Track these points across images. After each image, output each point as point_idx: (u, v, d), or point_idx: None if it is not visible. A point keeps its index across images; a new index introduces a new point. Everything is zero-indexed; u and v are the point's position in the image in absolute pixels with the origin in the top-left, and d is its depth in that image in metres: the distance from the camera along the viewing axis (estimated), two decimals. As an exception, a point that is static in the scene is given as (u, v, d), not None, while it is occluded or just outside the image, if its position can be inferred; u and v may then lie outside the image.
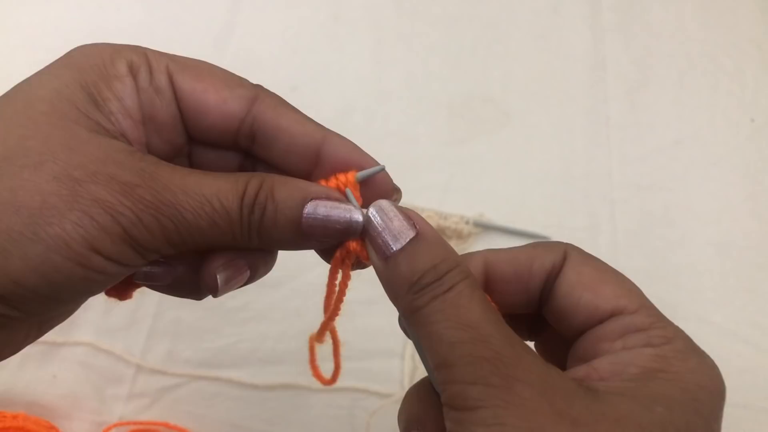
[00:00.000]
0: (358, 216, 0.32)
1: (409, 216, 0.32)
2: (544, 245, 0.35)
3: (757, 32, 0.92)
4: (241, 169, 0.37)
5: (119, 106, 0.32)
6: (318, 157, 0.34)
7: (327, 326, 0.39)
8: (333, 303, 0.37)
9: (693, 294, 0.74)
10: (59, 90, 0.30)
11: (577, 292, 0.32)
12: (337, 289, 0.36)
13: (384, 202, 0.32)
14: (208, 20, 0.89)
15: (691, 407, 0.28)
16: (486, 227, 0.76)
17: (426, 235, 0.31)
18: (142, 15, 0.89)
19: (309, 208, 0.32)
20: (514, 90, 0.87)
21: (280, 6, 0.91)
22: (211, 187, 0.30)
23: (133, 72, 0.33)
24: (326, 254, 0.35)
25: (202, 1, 0.90)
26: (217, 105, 0.33)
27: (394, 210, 0.32)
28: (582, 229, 0.77)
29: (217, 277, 0.33)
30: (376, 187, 0.34)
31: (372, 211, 0.32)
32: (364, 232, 0.32)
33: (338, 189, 0.34)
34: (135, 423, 0.63)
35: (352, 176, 0.34)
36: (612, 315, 0.31)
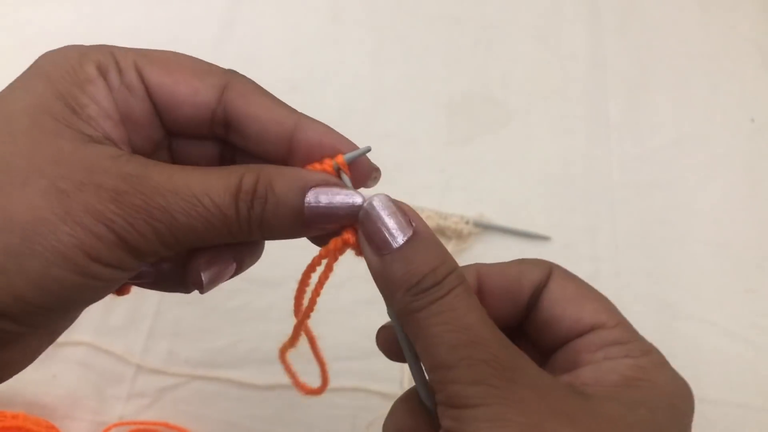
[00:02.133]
0: (359, 200, 0.32)
1: (406, 212, 0.32)
2: (530, 261, 0.37)
3: (757, 32, 0.92)
4: (222, 158, 0.37)
5: (97, 109, 0.31)
6: (292, 142, 0.34)
7: (301, 327, 0.38)
8: (310, 298, 0.36)
9: (693, 294, 0.74)
10: (36, 104, 0.30)
11: (561, 306, 0.35)
12: (312, 282, 0.35)
13: (382, 196, 0.32)
14: (208, 20, 0.89)
15: (669, 412, 0.31)
16: (486, 227, 0.76)
17: (423, 235, 0.31)
18: (141, 15, 0.89)
19: (310, 196, 0.31)
20: (514, 90, 0.87)
21: (280, 6, 0.91)
22: (201, 185, 0.30)
23: (102, 73, 0.32)
24: (319, 239, 0.35)
25: (202, 1, 0.90)
26: (188, 97, 0.33)
27: (392, 205, 0.32)
28: (582, 229, 0.77)
29: (202, 274, 0.33)
30: (356, 168, 0.34)
31: (370, 204, 0.31)
32: (360, 224, 0.32)
33: (332, 173, 0.33)
34: (135, 423, 0.63)
35: (341, 159, 0.33)
36: (592, 329, 0.34)
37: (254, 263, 0.37)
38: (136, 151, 0.33)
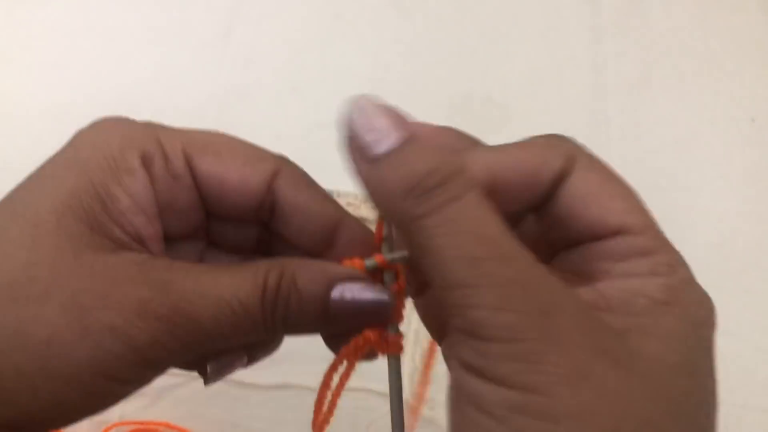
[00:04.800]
0: (386, 297, 0.30)
1: (400, 115, 0.27)
2: (550, 144, 0.31)
3: (757, 32, 0.92)
4: (259, 241, 0.36)
5: (129, 204, 0.29)
6: (333, 239, 0.33)
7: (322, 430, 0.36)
8: (330, 402, 0.34)
9: (693, 294, 0.74)
10: (64, 201, 0.28)
11: (583, 203, 0.29)
12: (334, 384, 0.34)
13: (364, 99, 0.28)
14: (208, 20, 0.89)
15: (701, 345, 0.27)
16: (486, 227, 0.76)
17: (423, 137, 0.27)
18: (142, 15, 0.89)
19: (335, 293, 0.29)
20: (514, 90, 0.87)
21: (280, 6, 0.91)
22: (230, 287, 0.28)
23: (146, 163, 0.30)
24: (332, 342, 0.34)
25: (202, 1, 0.90)
26: (238, 185, 0.32)
27: (380, 106, 0.27)
28: (582, 229, 0.77)
29: (208, 365, 0.32)
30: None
31: (359, 104, 0.28)
32: (345, 128, 0.28)
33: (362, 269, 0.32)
34: (135, 423, 0.63)
35: (381, 259, 0.32)
36: (617, 233, 0.28)
37: (270, 355, 0.36)
38: (172, 237, 0.33)
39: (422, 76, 0.88)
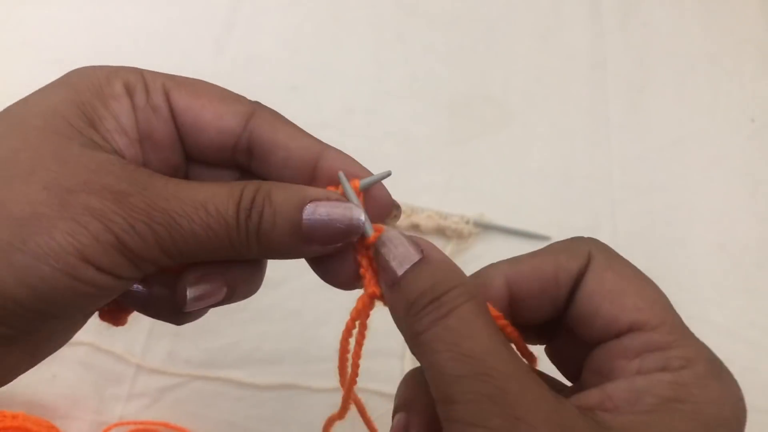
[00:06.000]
0: (359, 214, 0.31)
1: (417, 242, 0.30)
2: (566, 248, 0.32)
3: (757, 32, 0.92)
4: None
5: (115, 125, 0.31)
6: (315, 171, 0.33)
7: (349, 398, 0.36)
8: (352, 364, 0.35)
9: (693, 294, 0.74)
10: (54, 107, 0.30)
11: (597, 302, 0.30)
12: (351, 348, 0.34)
13: (389, 231, 0.31)
14: (208, 20, 0.89)
15: None
16: (486, 227, 0.76)
17: (431, 258, 0.29)
18: (142, 15, 0.89)
19: (308, 209, 0.31)
20: (514, 90, 0.87)
21: (280, 6, 0.91)
22: (206, 193, 0.30)
23: (129, 91, 0.32)
24: (324, 271, 0.34)
25: (202, 1, 0.90)
26: (213, 121, 0.33)
27: (400, 237, 0.30)
28: (582, 229, 0.77)
29: (188, 290, 0.32)
30: (375, 202, 0.34)
31: (380, 240, 0.31)
32: (375, 262, 0.31)
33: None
34: (135, 423, 0.63)
35: (356, 183, 0.33)
36: (631, 329, 0.29)
37: (249, 295, 0.36)
38: None
39: (423, 76, 0.88)
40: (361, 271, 0.32)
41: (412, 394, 0.32)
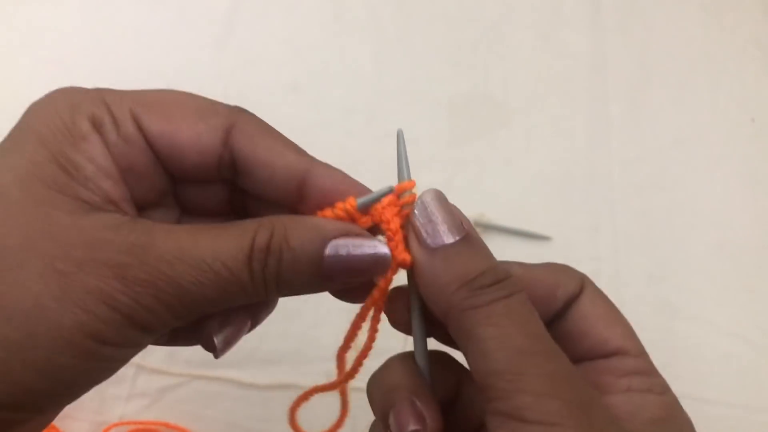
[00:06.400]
0: (384, 250, 0.30)
1: (457, 214, 0.31)
2: (564, 271, 0.35)
3: (757, 32, 0.92)
4: (232, 202, 0.35)
5: (93, 170, 0.29)
6: (304, 189, 0.32)
7: (346, 391, 0.37)
8: (357, 358, 0.35)
9: (693, 294, 0.74)
10: (28, 171, 0.28)
11: (590, 322, 0.33)
12: (363, 336, 0.34)
13: (436, 191, 0.31)
14: (208, 20, 0.89)
15: None
16: (486, 227, 0.76)
17: (476, 237, 0.30)
18: (142, 15, 0.89)
19: (330, 249, 0.29)
20: (514, 90, 0.87)
21: (280, 6, 0.91)
22: (211, 249, 0.28)
23: (97, 127, 0.30)
24: (344, 294, 0.34)
25: (202, 1, 0.90)
26: (191, 143, 0.31)
27: (448, 203, 0.30)
28: (582, 229, 0.77)
29: (215, 338, 0.31)
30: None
31: (424, 198, 0.30)
32: (411, 215, 0.30)
33: (346, 219, 0.31)
34: (135, 423, 0.63)
35: (352, 203, 0.31)
36: (617, 353, 0.33)
37: (269, 314, 0.36)
38: (139, 202, 0.32)
39: (423, 76, 0.88)
40: (389, 233, 0.31)
41: (408, 382, 0.32)
